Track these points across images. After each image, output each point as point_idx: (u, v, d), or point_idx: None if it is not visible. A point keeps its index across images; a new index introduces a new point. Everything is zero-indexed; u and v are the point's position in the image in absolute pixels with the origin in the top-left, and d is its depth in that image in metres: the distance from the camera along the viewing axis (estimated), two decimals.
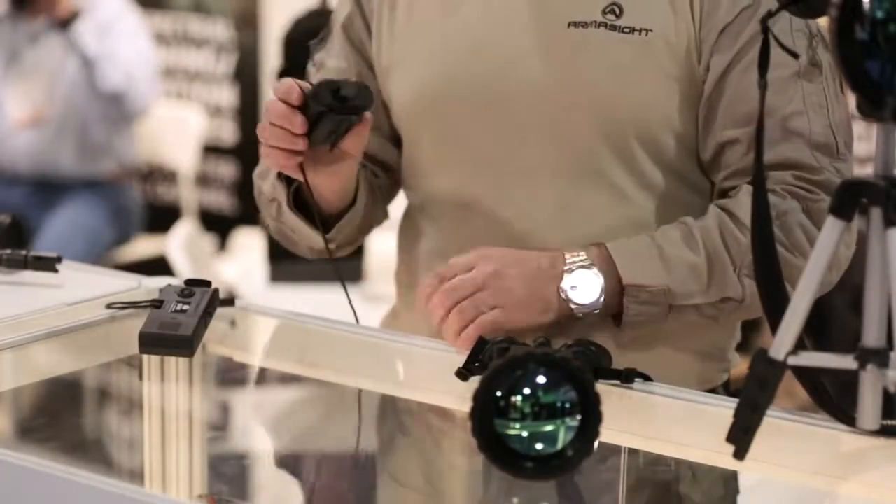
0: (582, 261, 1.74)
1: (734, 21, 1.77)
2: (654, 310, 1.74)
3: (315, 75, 1.96)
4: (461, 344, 1.70)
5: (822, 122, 1.76)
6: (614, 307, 1.75)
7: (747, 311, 1.78)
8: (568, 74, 1.79)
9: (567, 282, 1.73)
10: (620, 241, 1.76)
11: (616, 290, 1.73)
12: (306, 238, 1.89)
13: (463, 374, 1.61)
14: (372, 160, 1.94)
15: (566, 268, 1.73)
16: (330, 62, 1.95)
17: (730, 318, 1.80)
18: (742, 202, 1.74)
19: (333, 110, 1.71)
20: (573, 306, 1.73)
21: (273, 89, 1.74)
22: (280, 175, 1.84)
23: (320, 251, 1.90)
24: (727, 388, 1.90)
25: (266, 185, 1.90)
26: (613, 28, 1.78)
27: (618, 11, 1.78)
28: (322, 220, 1.84)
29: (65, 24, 4.80)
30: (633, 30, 1.78)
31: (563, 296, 1.73)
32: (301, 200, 1.86)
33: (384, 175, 1.96)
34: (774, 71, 1.68)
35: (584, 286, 1.73)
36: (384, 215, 1.99)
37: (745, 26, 1.76)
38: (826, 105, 1.77)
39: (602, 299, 1.73)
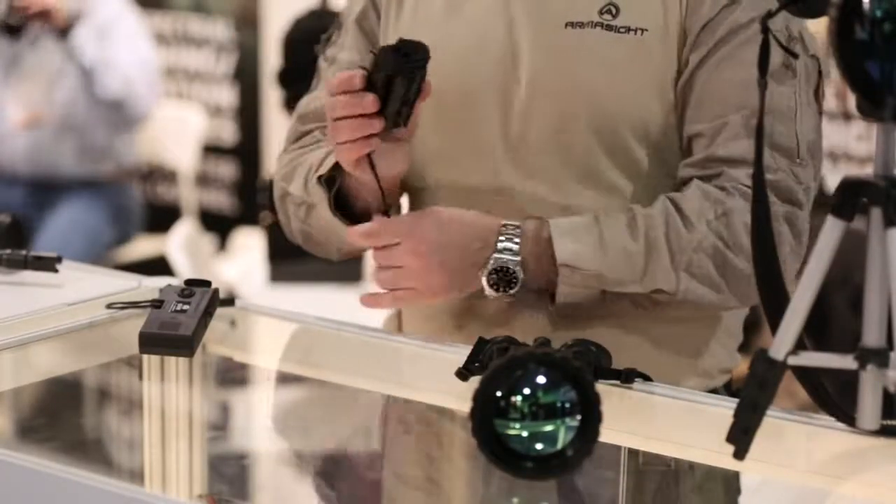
0: (510, 248, 1.75)
1: (715, 17, 1.78)
2: (585, 292, 1.75)
3: (328, 69, 1.96)
4: (380, 304, 1.80)
5: (788, 125, 1.77)
6: (547, 284, 1.76)
7: (679, 305, 1.78)
8: (565, 74, 1.79)
9: (486, 274, 1.75)
10: (564, 220, 1.76)
11: (550, 268, 1.74)
12: (338, 240, 1.88)
13: (463, 373, 1.61)
14: None
15: (493, 254, 1.75)
16: (343, 55, 1.95)
17: (665, 310, 1.80)
18: (688, 197, 1.76)
19: (401, 72, 1.67)
20: (487, 293, 1.75)
21: (328, 87, 1.72)
22: (320, 177, 1.83)
23: (350, 251, 1.90)
24: (728, 390, 1.90)
25: (293, 186, 1.89)
26: (610, 28, 1.78)
27: (614, 11, 1.79)
28: (357, 220, 1.83)
29: (63, 32, 4.80)
30: (629, 29, 1.78)
31: (480, 284, 1.75)
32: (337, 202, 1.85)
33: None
34: (743, 70, 1.69)
35: (504, 278, 1.75)
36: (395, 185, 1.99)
37: (722, 23, 1.77)
38: (795, 109, 1.77)
39: (515, 293, 1.75)
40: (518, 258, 1.74)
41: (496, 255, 1.74)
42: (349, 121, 1.71)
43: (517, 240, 1.75)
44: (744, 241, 1.74)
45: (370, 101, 1.69)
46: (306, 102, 1.99)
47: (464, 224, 1.77)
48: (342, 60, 1.94)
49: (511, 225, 1.76)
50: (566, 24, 1.79)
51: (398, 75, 1.67)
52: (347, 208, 1.83)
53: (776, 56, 1.76)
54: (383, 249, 1.76)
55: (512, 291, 1.75)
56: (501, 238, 1.75)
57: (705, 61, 1.78)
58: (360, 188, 1.80)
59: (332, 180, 1.82)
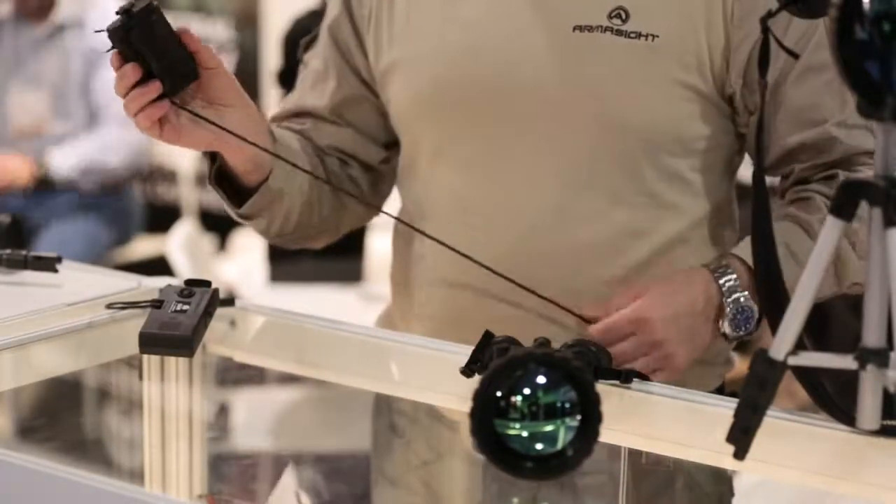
0: (733, 286, 1.72)
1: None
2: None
3: (302, 72, 1.97)
4: None
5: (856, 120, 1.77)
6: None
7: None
8: (572, 78, 1.78)
9: (725, 324, 1.73)
10: (741, 244, 1.75)
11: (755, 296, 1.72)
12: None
13: (468, 371, 1.61)
14: (341, 152, 1.93)
15: (727, 300, 1.73)
16: (313, 62, 1.96)
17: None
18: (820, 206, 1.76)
19: (131, 30, 1.67)
20: (731, 338, 1.75)
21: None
22: (210, 173, 1.83)
23: (276, 235, 1.90)
24: (723, 392, 1.90)
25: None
26: (619, 33, 1.76)
27: (624, 16, 1.77)
28: (242, 193, 1.83)
29: (58, 29, 4.81)
30: (639, 35, 1.76)
31: (721, 333, 1.74)
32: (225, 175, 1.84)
33: (356, 165, 1.95)
34: (822, 73, 1.72)
35: (740, 318, 1.74)
36: (369, 211, 1.98)
37: (786, 31, 1.73)
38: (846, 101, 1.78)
39: (756, 326, 1.73)
40: (746, 293, 1.72)
41: (729, 301, 1.73)
42: (128, 97, 1.70)
43: (733, 275, 1.73)
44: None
45: (129, 70, 1.68)
46: (281, 104, 2.00)
47: (678, 288, 1.75)
48: (311, 67, 1.95)
49: (717, 267, 1.74)
50: (574, 28, 1.78)
51: (132, 35, 1.68)
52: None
53: (826, 51, 1.75)
54: (621, 351, 1.71)
55: (750, 329, 1.74)
56: (721, 281, 1.73)
57: (787, 73, 1.76)
58: (230, 161, 1.80)
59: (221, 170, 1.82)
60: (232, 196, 1.83)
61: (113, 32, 1.67)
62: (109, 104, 4.77)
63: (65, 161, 4.74)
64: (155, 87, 1.69)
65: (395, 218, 1.88)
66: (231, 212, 1.85)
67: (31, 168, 4.75)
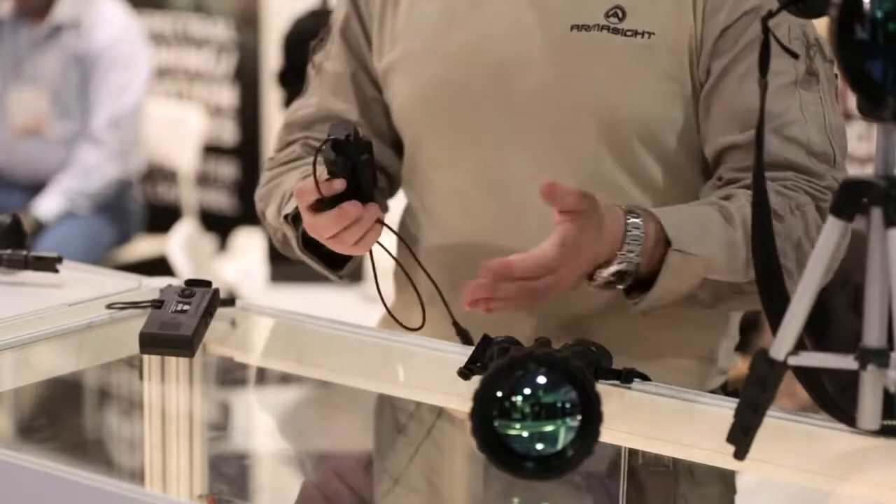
0: (630, 258, 1.66)
1: (734, 24, 1.76)
2: (684, 283, 1.68)
3: (315, 77, 1.97)
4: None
5: (820, 130, 1.76)
6: (644, 276, 1.69)
7: (696, 306, 1.74)
8: (570, 77, 1.78)
9: (607, 272, 1.67)
10: (665, 208, 1.71)
11: (653, 259, 1.67)
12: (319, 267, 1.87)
13: (465, 373, 1.61)
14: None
15: (618, 256, 1.66)
16: (328, 65, 1.95)
17: (678, 311, 1.76)
18: (743, 203, 1.72)
19: (351, 156, 1.67)
20: (595, 286, 1.69)
21: (297, 197, 1.69)
22: (287, 216, 1.82)
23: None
24: (724, 391, 1.90)
25: (269, 211, 1.89)
26: (616, 31, 1.77)
27: (620, 14, 1.78)
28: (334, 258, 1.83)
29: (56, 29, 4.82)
30: (635, 33, 1.77)
31: (598, 280, 1.68)
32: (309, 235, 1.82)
33: (384, 177, 1.96)
34: (773, 79, 1.67)
35: (620, 279, 1.69)
36: (385, 211, 1.99)
37: (745, 30, 1.75)
38: (823, 114, 1.76)
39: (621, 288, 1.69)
40: (638, 260, 1.67)
41: (620, 256, 1.66)
42: (346, 231, 1.69)
43: (639, 245, 1.66)
44: (815, 234, 1.71)
45: (351, 208, 1.67)
46: (293, 110, 1.99)
47: (608, 227, 1.66)
48: (327, 70, 1.95)
49: (633, 224, 1.66)
50: (572, 27, 1.79)
51: (357, 162, 1.67)
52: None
53: (801, 64, 1.75)
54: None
55: (620, 287, 1.69)
56: (627, 241, 1.66)
57: (730, 71, 1.75)
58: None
59: (300, 217, 1.78)
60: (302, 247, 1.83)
61: (342, 158, 1.66)
62: (98, 109, 4.81)
63: (51, 206, 4.76)
64: (373, 215, 1.69)
65: (395, 232, 1.88)
66: (330, 275, 1.85)
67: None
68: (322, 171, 1.67)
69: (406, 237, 1.94)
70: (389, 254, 1.82)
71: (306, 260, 1.84)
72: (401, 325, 1.78)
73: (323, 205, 1.68)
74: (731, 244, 1.68)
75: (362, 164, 1.67)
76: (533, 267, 1.61)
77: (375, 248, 1.77)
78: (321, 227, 1.69)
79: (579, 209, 1.61)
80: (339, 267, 1.84)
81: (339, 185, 1.66)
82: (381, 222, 1.70)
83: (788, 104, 1.75)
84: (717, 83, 1.77)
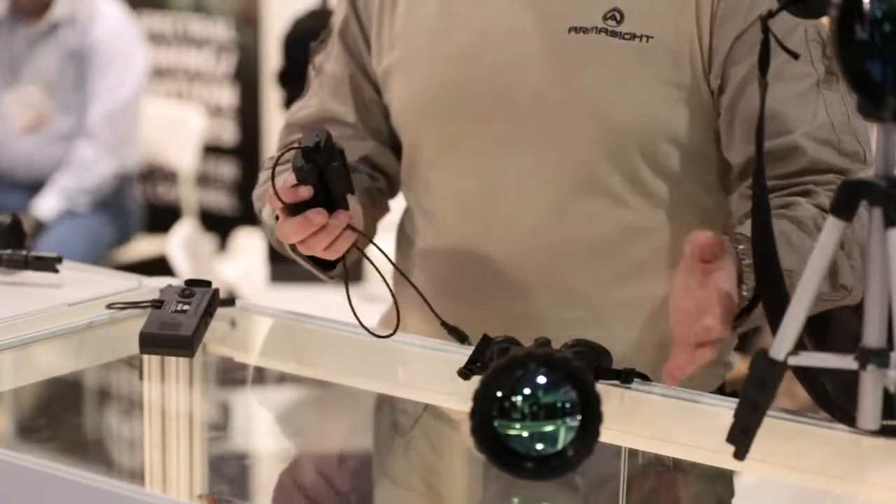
0: (751, 283, 1.60)
1: (749, 28, 1.74)
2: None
3: (314, 79, 1.97)
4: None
5: (846, 129, 1.74)
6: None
7: (851, 300, 1.71)
8: (567, 80, 1.78)
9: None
10: (742, 227, 1.67)
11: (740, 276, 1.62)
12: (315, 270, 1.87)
13: (465, 373, 1.61)
14: (371, 165, 1.94)
15: (744, 291, 1.61)
16: (328, 66, 1.95)
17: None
18: (822, 203, 1.70)
19: (327, 164, 1.66)
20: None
21: (270, 202, 1.68)
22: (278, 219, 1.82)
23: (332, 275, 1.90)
24: (723, 391, 1.90)
25: (265, 212, 1.89)
26: (614, 34, 1.77)
27: (618, 17, 1.77)
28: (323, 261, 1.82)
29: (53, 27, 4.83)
30: (633, 36, 1.76)
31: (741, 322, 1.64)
32: None
33: (382, 178, 1.96)
34: (796, 83, 1.66)
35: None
36: (384, 211, 1.99)
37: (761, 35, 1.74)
38: (847, 113, 1.75)
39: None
40: (753, 285, 1.60)
41: (744, 286, 1.60)
42: (314, 238, 1.68)
43: (751, 272, 1.59)
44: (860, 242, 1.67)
45: (315, 216, 1.65)
46: (294, 111, 1.99)
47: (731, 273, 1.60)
48: (326, 72, 1.95)
49: (742, 251, 1.61)
50: (570, 30, 1.78)
51: (327, 169, 1.66)
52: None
53: (819, 64, 1.74)
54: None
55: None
56: (744, 269, 1.60)
57: (752, 78, 1.71)
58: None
59: None
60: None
61: (312, 167, 1.65)
62: (93, 106, 4.81)
63: (50, 205, 4.77)
64: (342, 222, 1.67)
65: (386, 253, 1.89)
66: (321, 275, 1.85)
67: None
68: (291, 177, 1.66)
69: (404, 238, 1.95)
70: (387, 257, 1.82)
71: (297, 260, 1.84)
72: (371, 332, 1.77)
73: (291, 210, 1.67)
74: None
75: (331, 172, 1.66)
76: (721, 328, 1.52)
77: (375, 248, 1.77)
78: (288, 233, 1.69)
79: (719, 256, 1.55)
80: (330, 267, 1.84)
81: (305, 192, 1.65)
82: (352, 228, 1.70)
83: (815, 107, 1.74)
84: (739, 91, 1.75)
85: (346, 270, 1.77)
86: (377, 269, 1.77)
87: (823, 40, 1.76)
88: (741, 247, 1.62)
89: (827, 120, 1.74)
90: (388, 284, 1.80)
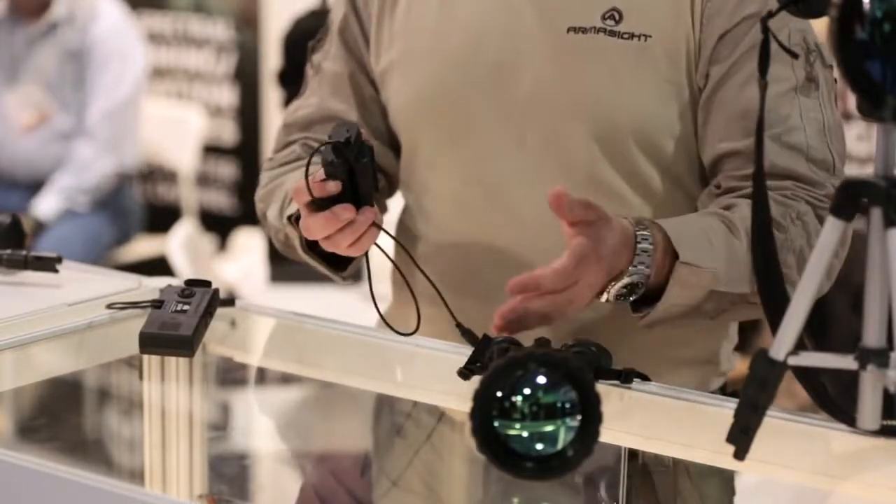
0: (641, 270, 1.64)
1: (734, 29, 1.75)
2: (691, 296, 1.66)
3: (313, 78, 1.96)
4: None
5: (819, 137, 1.75)
6: (651, 290, 1.67)
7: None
8: (566, 80, 1.78)
9: (619, 285, 1.65)
10: (671, 220, 1.69)
11: (661, 272, 1.66)
12: (323, 269, 1.86)
13: (465, 373, 1.61)
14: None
15: (629, 269, 1.65)
16: (327, 65, 1.95)
17: (737, 314, 1.75)
18: (745, 214, 1.69)
19: (357, 161, 1.65)
20: (606, 300, 1.67)
21: (294, 197, 1.67)
22: (290, 217, 1.80)
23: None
24: (723, 392, 1.90)
25: (270, 212, 1.88)
26: (612, 34, 1.77)
27: (617, 17, 1.78)
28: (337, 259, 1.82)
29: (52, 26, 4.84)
30: (632, 35, 1.77)
31: (609, 295, 1.66)
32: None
33: (383, 178, 1.96)
34: (773, 86, 1.66)
35: (630, 293, 1.67)
36: (383, 211, 1.99)
37: (745, 35, 1.74)
38: (822, 121, 1.76)
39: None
40: (648, 272, 1.65)
41: (631, 269, 1.64)
42: (339, 234, 1.68)
43: (649, 256, 1.64)
44: (815, 243, 1.69)
45: (343, 211, 1.65)
46: (292, 110, 1.99)
47: (619, 239, 1.64)
48: (326, 70, 1.95)
49: (642, 236, 1.65)
50: (568, 30, 1.78)
51: (356, 165, 1.65)
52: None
53: (800, 70, 1.75)
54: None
55: (630, 300, 1.67)
56: (637, 253, 1.64)
57: (730, 77, 1.75)
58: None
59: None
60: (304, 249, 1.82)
61: (342, 162, 1.64)
62: (93, 105, 4.81)
63: (50, 205, 4.77)
64: (368, 218, 1.67)
65: (393, 237, 1.88)
66: (334, 276, 1.85)
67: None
68: (319, 171, 1.66)
69: (403, 237, 1.94)
70: (387, 256, 1.82)
71: (309, 261, 1.84)
72: (394, 330, 1.77)
73: (318, 206, 1.67)
74: (737, 255, 1.68)
75: (360, 168, 1.66)
76: (558, 279, 1.59)
77: (372, 249, 1.77)
78: (314, 228, 1.68)
79: (588, 219, 1.60)
80: (343, 268, 1.83)
81: (334, 187, 1.65)
82: (377, 226, 1.70)
83: (789, 111, 1.74)
84: (716, 89, 1.76)
85: (368, 267, 1.75)
86: (369, 272, 1.77)
87: (808, 46, 1.76)
88: (640, 229, 1.64)
89: (799, 125, 1.74)
90: (410, 288, 1.78)
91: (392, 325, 1.76)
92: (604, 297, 1.66)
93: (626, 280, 1.64)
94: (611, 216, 1.63)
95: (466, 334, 1.71)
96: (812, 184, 1.74)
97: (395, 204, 1.99)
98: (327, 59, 1.95)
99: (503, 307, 1.61)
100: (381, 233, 1.72)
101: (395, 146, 1.94)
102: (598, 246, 1.60)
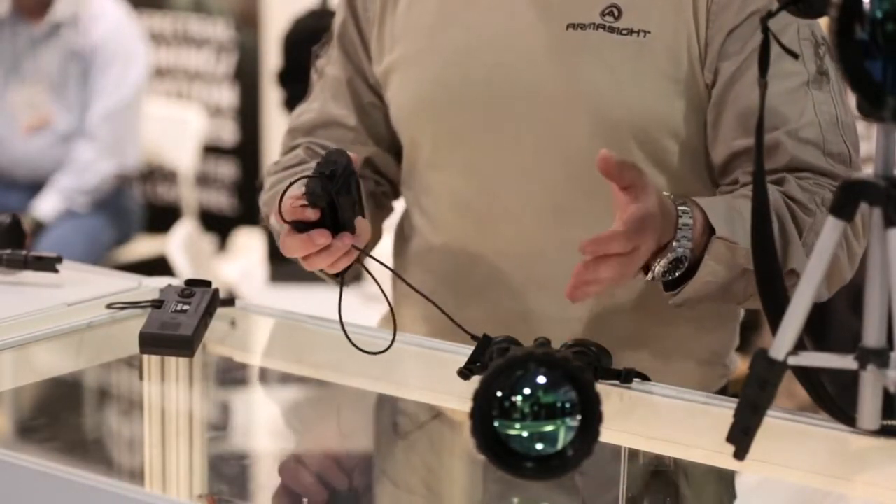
0: (684, 244, 1.64)
1: (742, 24, 1.75)
2: (724, 274, 1.65)
3: (317, 82, 1.97)
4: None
5: (834, 131, 1.75)
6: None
7: (707, 308, 1.74)
8: (566, 76, 1.78)
9: (665, 261, 1.65)
10: (705, 198, 1.69)
11: (699, 247, 1.65)
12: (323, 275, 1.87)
13: (465, 373, 1.61)
14: (373, 169, 1.94)
15: (671, 250, 1.64)
16: (328, 70, 1.96)
17: (688, 312, 1.75)
18: (792, 187, 1.71)
19: (339, 192, 1.65)
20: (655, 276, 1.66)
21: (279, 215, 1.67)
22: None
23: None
24: (724, 392, 1.90)
25: (273, 218, 1.88)
26: (612, 30, 1.77)
27: (616, 13, 1.78)
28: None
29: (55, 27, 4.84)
30: (631, 31, 1.77)
31: (654, 272, 1.66)
32: None
33: (385, 182, 1.96)
34: (785, 81, 1.66)
35: (668, 270, 1.66)
36: (389, 212, 1.99)
37: (754, 32, 1.74)
38: (835, 114, 1.75)
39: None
40: (690, 246, 1.64)
41: (675, 244, 1.64)
42: (315, 256, 1.68)
43: (690, 230, 1.64)
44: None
45: (318, 237, 1.65)
46: (297, 114, 1.99)
47: (664, 208, 1.64)
48: (328, 75, 1.95)
49: (683, 211, 1.64)
50: (567, 26, 1.79)
51: (338, 199, 1.65)
52: None
53: (811, 64, 1.75)
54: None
55: (672, 278, 1.67)
56: (680, 227, 1.64)
57: (742, 74, 1.74)
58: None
59: None
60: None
61: (324, 192, 1.64)
62: (95, 104, 4.81)
63: (50, 205, 4.77)
64: (346, 243, 1.66)
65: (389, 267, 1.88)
66: (331, 282, 1.84)
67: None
68: (299, 191, 1.66)
69: (403, 236, 1.95)
70: (387, 267, 1.82)
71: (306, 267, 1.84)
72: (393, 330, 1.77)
73: (297, 227, 1.67)
74: None
75: (342, 202, 1.65)
76: (627, 242, 1.56)
77: (376, 248, 1.77)
78: (290, 248, 1.68)
79: (638, 184, 1.58)
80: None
81: (311, 214, 1.65)
82: (355, 248, 1.69)
83: (803, 106, 1.74)
84: (727, 86, 1.76)
85: (342, 284, 1.76)
86: (393, 271, 1.77)
87: (817, 39, 1.76)
88: (680, 204, 1.64)
89: (814, 119, 1.74)
90: (386, 298, 1.79)
91: (384, 326, 1.76)
92: (649, 275, 1.65)
93: (671, 255, 1.64)
94: (654, 187, 1.61)
95: (476, 340, 1.70)
96: (831, 176, 1.74)
97: (396, 205, 2.00)
98: (329, 64, 1.96)
99: (575, 279, 1.57)
100: (381, 234, 1.72)
101: (396, 150, 1.94)
102: (649, 214, 1.59)
